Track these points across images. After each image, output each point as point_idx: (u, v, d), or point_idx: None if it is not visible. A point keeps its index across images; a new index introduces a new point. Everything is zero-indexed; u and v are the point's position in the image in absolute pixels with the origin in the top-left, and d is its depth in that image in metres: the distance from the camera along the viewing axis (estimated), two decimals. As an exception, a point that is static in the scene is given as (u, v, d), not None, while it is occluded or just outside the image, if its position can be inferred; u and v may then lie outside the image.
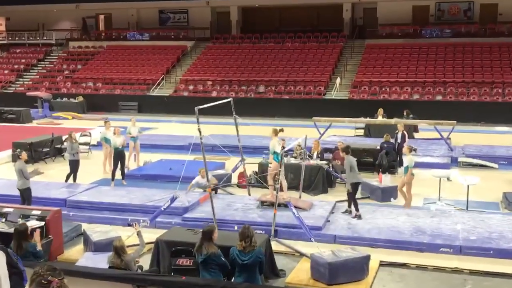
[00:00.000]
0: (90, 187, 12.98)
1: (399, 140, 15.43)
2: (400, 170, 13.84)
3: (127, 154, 15.58)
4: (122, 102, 30.36)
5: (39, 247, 7.82)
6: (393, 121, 18.46)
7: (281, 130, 11.99)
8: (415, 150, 12.12)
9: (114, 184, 13.77)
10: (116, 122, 21.50)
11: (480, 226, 10.27)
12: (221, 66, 31.99)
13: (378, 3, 33.05)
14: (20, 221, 8.95)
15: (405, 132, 15.80)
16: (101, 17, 38.98)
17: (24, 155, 11.38)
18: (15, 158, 13.06)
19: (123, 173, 14.20)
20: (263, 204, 11.33)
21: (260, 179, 12.61)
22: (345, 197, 11.54)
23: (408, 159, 11.90)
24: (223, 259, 7.20)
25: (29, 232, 7.95)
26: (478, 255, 9.22)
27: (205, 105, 10.96)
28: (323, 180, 13.49)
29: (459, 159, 16.47)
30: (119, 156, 13.94)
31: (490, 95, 26.40)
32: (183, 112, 26.22)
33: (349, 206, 11.09)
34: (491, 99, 26.23)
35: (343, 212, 11.07)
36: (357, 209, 10.88)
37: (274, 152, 11.37)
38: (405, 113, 20.88)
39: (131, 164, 15.84)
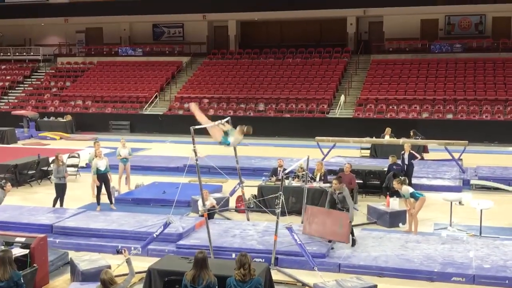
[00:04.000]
0: (77, 212, 12.95)
1: (406, 162, 15.47)
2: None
3: (116, 176, 15.61)
4: (113, 121, 30.45)
5: None
6: (401, 141, 18.49)
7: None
8: (404, 181, 12.24)
9: (100, 208, 13.82)
10: (107, 142, 21.60)
11: (494, 254, 10.24)
12: (218, 83, 32.14)
13: (384, 16, 33.25)
14: (2, 248, 8.91)
15: (413, 152, 15.83)
16: (91, 31, 39.21)
17: (8, 187, 11.49)
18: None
19: (110, 197, 14.21)
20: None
21: (260, 203, 12.59)
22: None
23: (404, 190, 11.98)
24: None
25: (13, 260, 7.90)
26: (492, 285, 9.18)
27: (201, 126, 10.98)
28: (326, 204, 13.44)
29: (472, 182, 16.47)
30: (102, 180, 13.98)
31: (504, 114, 26.48)
32: (177, 131, 26.32)
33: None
34: (505, 117, 26.31)
35: None
36: None
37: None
38: (411, 133, 20.91)
39: (122, 187, 15.84)
